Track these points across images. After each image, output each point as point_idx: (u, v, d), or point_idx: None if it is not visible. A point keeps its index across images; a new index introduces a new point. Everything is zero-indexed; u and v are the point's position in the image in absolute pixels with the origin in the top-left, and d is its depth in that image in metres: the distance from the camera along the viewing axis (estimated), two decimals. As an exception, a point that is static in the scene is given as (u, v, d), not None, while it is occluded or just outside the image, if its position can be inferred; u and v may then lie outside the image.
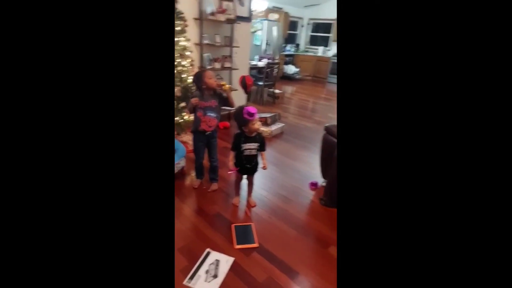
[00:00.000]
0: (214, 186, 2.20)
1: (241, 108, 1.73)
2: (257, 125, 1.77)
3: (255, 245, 1.65)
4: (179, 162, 2.23)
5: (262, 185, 2.32)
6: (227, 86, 1.97)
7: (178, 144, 2.38)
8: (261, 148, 1.87)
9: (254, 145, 1.82)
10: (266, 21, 6.49)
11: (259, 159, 1.90)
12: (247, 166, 1.86)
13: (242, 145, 1.82)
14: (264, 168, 1.85)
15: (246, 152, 1.83)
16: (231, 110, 3.84)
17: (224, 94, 1.99)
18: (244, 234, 1.73)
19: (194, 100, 1.90)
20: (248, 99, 5.01)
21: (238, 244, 1.65)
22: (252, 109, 1.70)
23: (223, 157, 2.53)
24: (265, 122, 3.54)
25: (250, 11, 3.90)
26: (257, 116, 1.74)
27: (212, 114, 1.99)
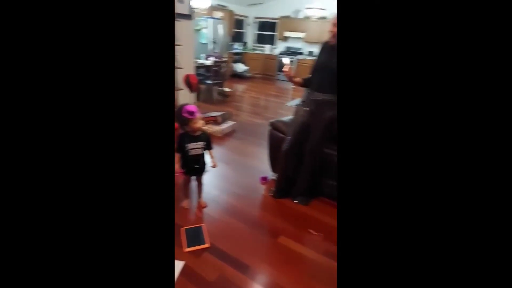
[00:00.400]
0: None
1: (181, 107, 1.68)
2: (199, 123, 1.73)
3: (206, 245, 1.62)
4: None
5: (214, 185, 2.30)
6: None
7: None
8: (208, 147, 1.84)
9: (199, 144, 1.78)
10: (211, 19, 6.40)
11: (207, 158, 1.87)
12: (195, 167, 1.82)
13: (187, 145, 1.77)
14: (213, 166, 1.83)
15: (192, 152, 1.78)
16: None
17: None
18: (195, 236, 1.69)
19: None
20: (198, 98, 4.91)
21: (188, 247, 1.60)
22: (191, 107, 1.66)
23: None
24: (215, 121, 3.50)
25: (191, 8, 3.80)
26: (198, 114, 1.70)
27: None
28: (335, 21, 1.71)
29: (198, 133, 1.76)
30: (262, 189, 2.30)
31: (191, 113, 1.66)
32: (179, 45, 3.57)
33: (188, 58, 3.92)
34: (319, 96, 1.86)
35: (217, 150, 3.07)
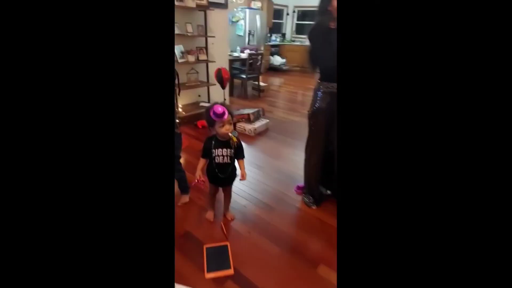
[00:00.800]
0: (184, 198, 1.90)
1: (211, 106, 1.43)
2: (226, 128, 1.47)
3: (230, 272, 1.37)
4: None
5: (242, 193, 2.04)
6: None
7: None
8: (238, 155, 1.57)
9: (227, 152, 1.53)
10: (248, 10, 6.11)
11: (237, 168, 1.61)
12: (220, 176, 1.57)
13: (213, 150, 1.53)
14: (242, 179, 1.56)
15: (218, 160, 1.53)
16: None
17: None
18: (218, 258, 1.45)
19: None
20: (231, 94, 4.70)
21: (209, 271, 1.37)
22: (219, 108, 1.40)
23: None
24: (247, 118, 3.24)
25: (227, -3, 3.56)
26: (226, 116, 1.44)
27: None
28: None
29: (226, 139, 1.50)
30: (297, 201, 1.98)
31: (218, 115, 1.41)
32: (212, 36, 3.36)
33: (222, 51, 3.69)
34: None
35: (247, 151, 2.79)
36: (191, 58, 3.14)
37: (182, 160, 2.48)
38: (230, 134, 1.48)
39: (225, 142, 1.51)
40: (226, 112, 1.43)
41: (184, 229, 1.66)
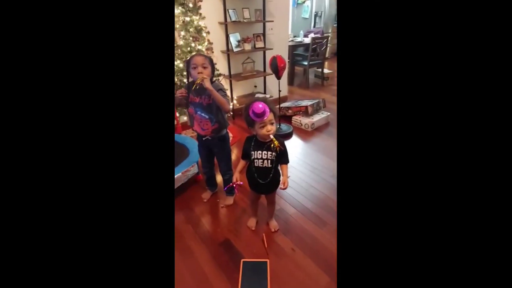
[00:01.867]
0: (228, 200, 1.79)
1: (251, 103, 1.24)
2: (267, 129, 1.25)
3: (266, 297, 1.19)
4: (190, 169, 1.86)
5: (289, 198, 1.81)
6: (202, 77, 1.36)
7: (193, 145, 2.02)
8: (281, 159, 1.34)
9: (267, 155, 1.32)
10: (315, -11, 5.57)
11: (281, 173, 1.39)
12: (260, 182, 1.37)
13: (252, 152, 1.34)
14: (283, 187, 1.33)
15: (257, 163, 1.34)
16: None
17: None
18: (254, 275, 1.29)
19: (178, 93, 1.47)
20: (290, 83, 4.39)
21: (242, 291, 1.21)
22: (259, 106, 1.19)
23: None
24: (305, 111, 2.93)
25: (288, -25, 3.21)
26: (267, 116, 1.22)
27: (204, 115, 1.50)
28: None
29: (267, 140, 1.29)
30: (357, 215, 1.64)
31: (258, 114, 1.20)
32: (270, 21, 3.10)
33: (281, 36, 3.40)
34: None
35: (301, 148, 2.56)
36: (247, 47, 2.97)
37: (233, 156, 2.39)
38: (271, 136, 1.25)
39: (266, 144, 1.30)
40: (267, 111, 1.20)
41: (224, 235, 1.54)
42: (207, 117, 1.50)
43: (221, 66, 2.85)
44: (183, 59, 2.20)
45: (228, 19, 2.74)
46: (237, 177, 1.37)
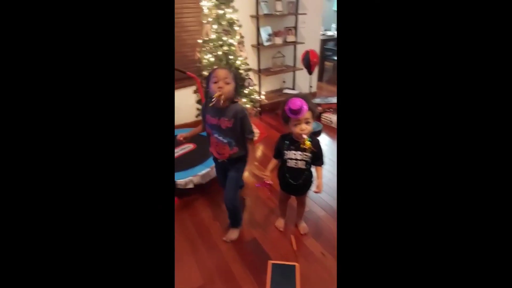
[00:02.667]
0: (232, 233, 1.48)
1: (288, 99, 1.18)
2: (300, 128, 1.18)
3: (295, 303, 1.15)
4: (209, 171, 1.83)
5: (319, 200, 1.74)
6: (219, 94, 1.19)
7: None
8: (316, 161, 1.28)
9: (301, 155, 1.25)
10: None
11: (314, 175, 1.32)
12: (291, 183, 1.32)
13: (285, 152, 1.28)
14: (317, 191, 1.26)
15: (290, 163, 1.28)
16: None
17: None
18: (283, 279, 1.25)
19: (179, 136, 1.40)
20: (320, 79, 4.23)
21: (270, 294, 1.18)
22: (296, 103, 1.13)
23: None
24: (336, 108, 2.81)
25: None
26: (303, 114, 1.15)
27: (222, 138, 1.31)
28: None
29: (301, 140, 1.22)
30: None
31: (294, 111, 1.13)
32: (303, 14, 2.99)
33: (313, 30, 3.27)
34: None
35: (331, 148, 2.43)
36: (278, 41, 2.89)
37: (259, 153, 2.35)
38: (304, 136, 1.18)
39: (300, 144, 1.23)
40: (304, 109, 1.13)
41: (251, 234, 1.51)
42: (225, 141, 1.31)
43: (251, 60, 2.80)
44: (214, 53, 2.18)
45: (260, 12, 2.67)
46: (268, 176, 1.30)
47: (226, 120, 1.26)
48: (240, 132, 1.29)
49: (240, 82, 1.30)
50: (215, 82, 1.21)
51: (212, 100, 1.20)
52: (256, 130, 1.64)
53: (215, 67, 2.14)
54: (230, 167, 1.39)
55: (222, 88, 1.20)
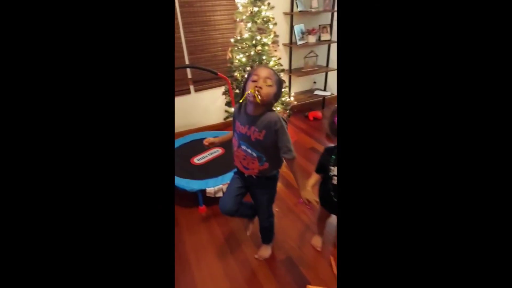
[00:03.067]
0: (265, 251, 1.38)
1: (336, 109, 1.05)
2: None
3: None
4: None
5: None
6: (255, 89, 1.00)
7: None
8: None
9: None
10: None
11: None
12: (335, 201, 1.18)
13: (331, 168, 1.15)
14: None
15: (336, 180, 1.15)
16: (326, 96, 3.07)
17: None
18: (323, 309, 1.12)
19: (205, 141, 1.23)
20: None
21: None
22: None
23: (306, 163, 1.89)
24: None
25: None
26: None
27: (250, 151, 1.10)
28: None
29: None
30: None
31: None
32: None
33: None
34: None
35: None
36: (312, 39, 2.72)
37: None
38: None
39: None
40: None
41: (285, 252, 1.40)
42: (254, 155, 1.09)
43: (282, 60, 2.67)
44: (246, 53, 2.07)
45: (295, 9, 2.52)
46: (310, 198, 1.08)
47: (256, 131, 1.05)
48: (272, 148, 1.07)
49: (282, 88, 1.10)
50: (254, 81, 1.01)
51: (245, 94, 1.02)
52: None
53: (247, 67, 2.03)
54: (255, 185, 1.19)
55: (261, 88, 1.00)
